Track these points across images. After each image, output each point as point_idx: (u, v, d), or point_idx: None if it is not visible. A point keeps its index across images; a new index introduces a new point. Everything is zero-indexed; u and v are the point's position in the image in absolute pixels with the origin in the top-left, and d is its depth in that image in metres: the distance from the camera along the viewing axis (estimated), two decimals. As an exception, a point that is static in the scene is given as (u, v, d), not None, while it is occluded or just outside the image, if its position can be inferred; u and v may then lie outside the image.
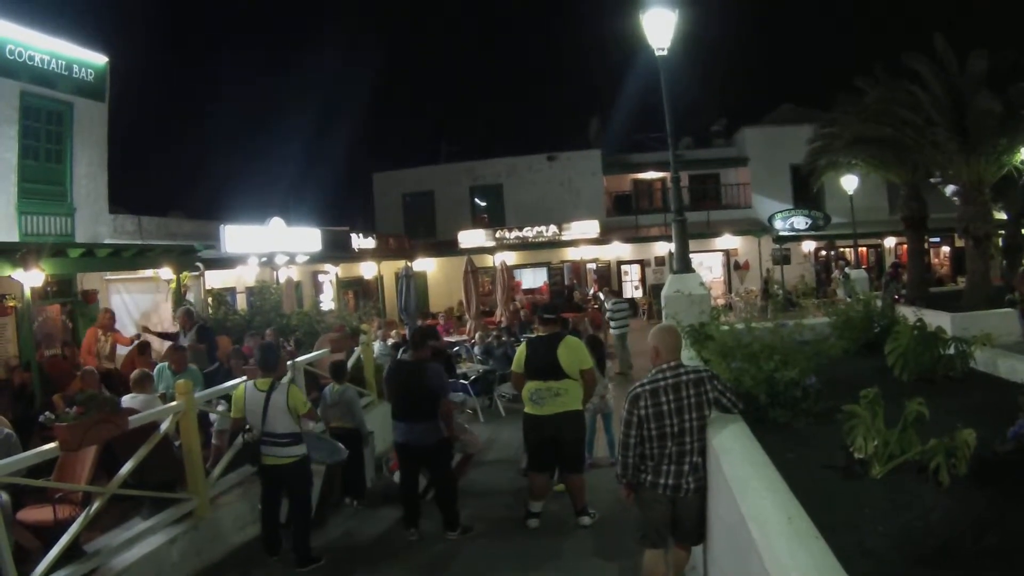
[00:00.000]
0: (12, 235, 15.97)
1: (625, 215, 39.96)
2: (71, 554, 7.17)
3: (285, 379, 9.01)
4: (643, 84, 36.02)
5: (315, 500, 9.73)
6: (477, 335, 20.00)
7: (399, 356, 11.16)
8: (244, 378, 9.95)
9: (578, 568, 8.27)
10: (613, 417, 11.33)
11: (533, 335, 10.20)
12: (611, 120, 44.09)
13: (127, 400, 9.42)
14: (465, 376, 15.84)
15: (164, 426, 8.66)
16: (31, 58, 16.87)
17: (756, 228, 37.05)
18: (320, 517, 9.94)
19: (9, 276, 12.76)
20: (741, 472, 4.77)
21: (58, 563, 6.92)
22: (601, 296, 33.01)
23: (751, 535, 3.82)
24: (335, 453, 10.12)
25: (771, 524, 3.80)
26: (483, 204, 41.51)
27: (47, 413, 7.76)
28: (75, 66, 18.14)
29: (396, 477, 10.42)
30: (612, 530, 8.90)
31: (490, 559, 8.65)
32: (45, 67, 17.27)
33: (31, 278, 12.74)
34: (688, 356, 8.32)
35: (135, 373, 10.15)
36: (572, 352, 9.18)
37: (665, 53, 11.57)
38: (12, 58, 16.43)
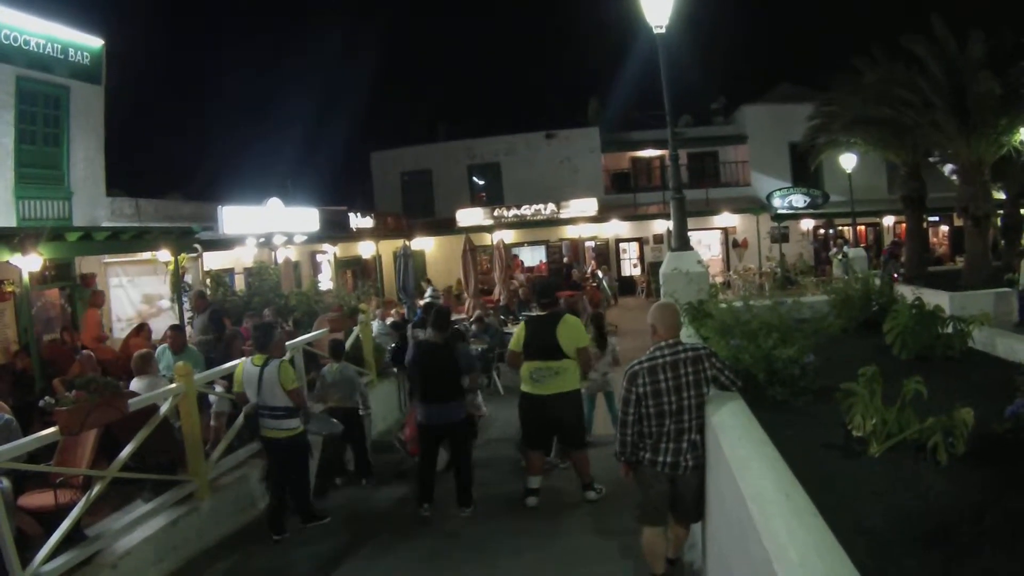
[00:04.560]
0: (10, 220, 15.98)
1: (623, 193, 39.82)
2: (73, 538, 7.22)
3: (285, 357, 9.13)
4: (642, 62, 35.88)
5: (314, 471, 9.89)
6: (476, 314, 19.99)
7: (422, 337, 11.11)
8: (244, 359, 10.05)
9: (578, 545, 8.31)
10: (615, 395, 11.35)
11: (532, 314, 10.22)
12: (610, 98, 43.79)
13: (134, 384, 9.44)
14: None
15: (164, 408, 8.72)
16: (27, 42, 16.82)
17: (755, 206, 37.00)
18: (320, 489, 10.12)
19: (7, 261, 12.75)
20: (739, 450, 4.78)
21: (60, 548, 6.96)
22: (600, 274, 33.06)
23: (749, 513, 3.83)
24: (329, 426, 10.19)
25: (769, 502, 3.81)
26: (481, 183, 41.44)
27: (47, 398, 7.76)
28: (71, 49, 18.08)
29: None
30: (612, 507, 8.95)
31: (491, 536, 8.71)
32: (41, 51, 17.22)
33: (29, 263, 12.71)
34: (687, 334, 8.33)
35: (137, 355, 10.15)
36: (571, 330, 9.22)
37: (663, 31, 11.54)
38: (7, 42, 16.39)
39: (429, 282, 26.68)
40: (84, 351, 12.58)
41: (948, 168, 20.37)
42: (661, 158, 39.31)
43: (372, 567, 8.22)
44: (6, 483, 7.11)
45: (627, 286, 37.96)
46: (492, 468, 11.02)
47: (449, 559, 8.31)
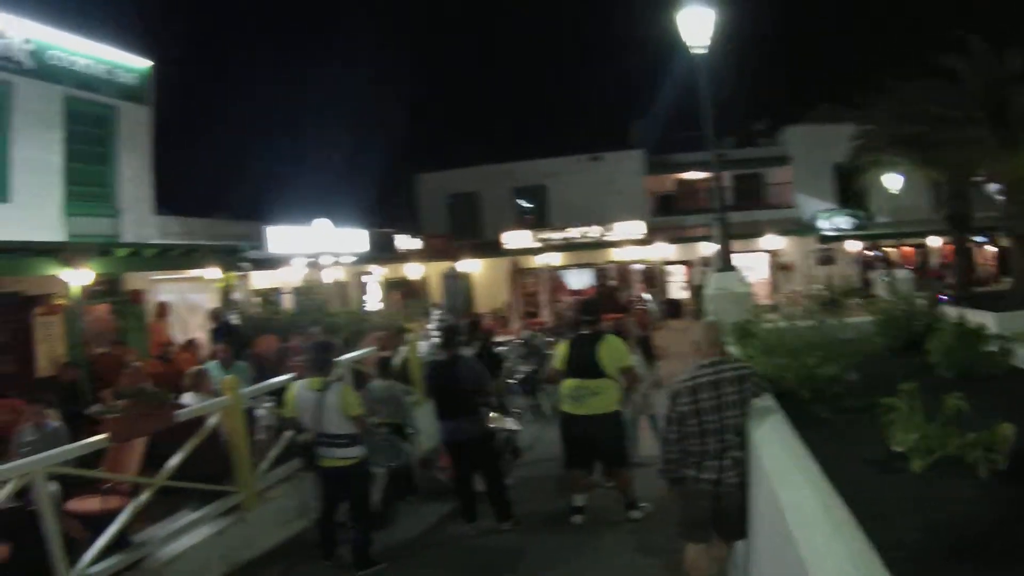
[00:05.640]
0: (60, 236, 16.28)
1: (669, 215, 39.66)
2: (119, 544, 7.37)
3: (338, 379, 8.96)
4: (686, 83, 35.76)
5: (378, 501, 9.65)
6: (522, 334, 20.04)
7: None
8: (292, 375, 10.07)
9: (621, 563, 8.32)
10: (657, 416, 11.33)
11: (573, 336, 10.24)
12: (654, 119, 43.67)
13: (186, 399, 9.55)
14: (512, 375, 15.85)
15: (212, 420, 8.84)
16: (74, 63, 17.33)
17: (799, 228, 36.75)
18: (382, 518, 9.77)
19: (57, 276, 13.01)
20: (780, 465, 4.80)
21: (106, 552, 7.13)
22: (647, 297, 32.93)
23: (789, 526, 3.85)
24: (398, 456, 10.07)
25: (808, 515, 3.83)
26: (527, 205, 41.37)
27: (96, 406, 7.91)
28: (118, 70, 18.58)
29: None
30: (656, 526, 8.92)
31: (534, 553, 8.74)
32: (88, 72, 17.73)
33: (79, 277, 12.99)
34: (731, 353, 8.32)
35: (191, 372, 10.34)
36: (613, 351, 9.22)
37: (704, 52, 11.58)
38: (56, 63, 16.92)
39: (436, 306, 26.82)
40: (134, 364, 12.76)
41: (993, 187, 20.19)
42: (706, 180, 39.15)
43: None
44: (55, 488, 7.26)
45: (674, 309, 37.64)
46: (538, 486, 11.05)
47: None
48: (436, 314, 18.47)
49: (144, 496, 7.75)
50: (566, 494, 9.90)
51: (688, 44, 11.59)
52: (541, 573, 8.30)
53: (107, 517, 7.42)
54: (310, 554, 8.92)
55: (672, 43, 12.31)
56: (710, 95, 12.02)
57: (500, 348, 15.68)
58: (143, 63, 19.36)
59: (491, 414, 9.99)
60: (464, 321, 16.07)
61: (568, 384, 9.29)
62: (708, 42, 11.52)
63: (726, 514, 6.29)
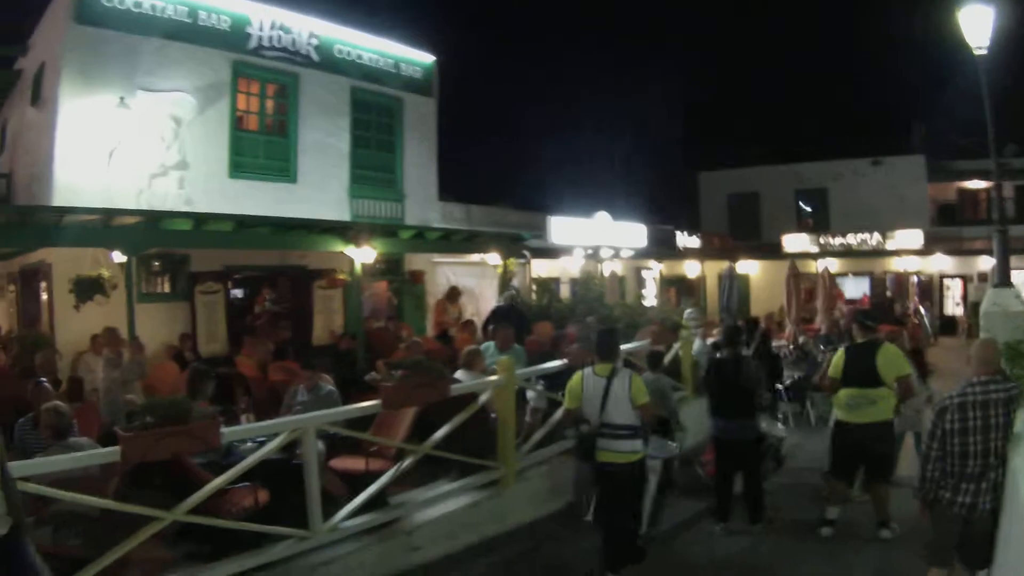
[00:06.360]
0: (344, 216, 17.40)
1: (949, 226, 37.54)
2: (376, 503, 7.76)
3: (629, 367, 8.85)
4: (968, 85, 33.85)
5: (650, 502, 9.26)
6: (800, 340, 19.71)
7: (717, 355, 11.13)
8: (565, 362, 10.32)
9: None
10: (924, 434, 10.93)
11: (850, 344, 10.00)
12: (936, 123, 41.48)
13: (459, 375, 9.87)
14: (783, 380, 15.60)
15: (482, 398, 9.15)
16: (360, 57, 18.62)
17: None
18: (652, 514, 9.40)
19: (342, 252, 13.78)
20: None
21: (363, 508, 7.53)
22: (923, 311, 31.48)
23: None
24: (667, 450, 9.87)
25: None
26: (808, 208, 40.30)
27: (372, 373, 8.33)
28: (403, 64, 19.77)
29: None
30: (903, 548, 8.60)
31: (777, 560, 8.66)
32: (374, 65, 18.98)
33: (362, 255, 13.71)
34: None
35: (467, 350, 10.71)
36: (891, 359, 8.97)
37: (984, 52, 11.11)
38: (343, 57, 18.26)
39: (695, 304, 26.62)
40: (412, 339, 13.34)
41: None
42: (988, 190, 36.87)
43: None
44: (321, 446, 7.73)
45: (948, 325, 35.52)
46: (793, 494, 10.84)
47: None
48: (691, 312, 18.21)
49: (406, 462, 8.09)
50: (820, 504, 9.69)
51: (970, 44, 11.17)
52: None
53: (368, 477, 7.83)
54: (557, 535, 9.10)
55: (955, 43, 11.91)
56: (993, 98, 11.53)
57: (775, 352, 15.48)
58: (427, 58, 20.44)
59: (762, 417, 9.92)
60: (742, 322, 15.87)
61: (845, 392, 9.06)
62: (987, 42, 11.06)
63: (974, 540, 6.08)
